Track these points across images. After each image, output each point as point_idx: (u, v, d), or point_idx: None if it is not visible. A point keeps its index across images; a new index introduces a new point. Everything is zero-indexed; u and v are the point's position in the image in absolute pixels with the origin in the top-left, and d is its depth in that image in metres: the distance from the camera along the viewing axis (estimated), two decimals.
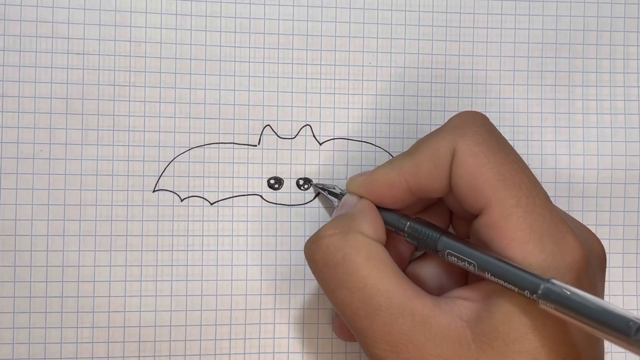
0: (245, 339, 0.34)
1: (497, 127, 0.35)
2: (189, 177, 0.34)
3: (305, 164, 0.34)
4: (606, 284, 0.36)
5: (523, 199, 0.26)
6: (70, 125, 0.33)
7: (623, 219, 0.36)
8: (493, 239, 0.26)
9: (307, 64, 0.35)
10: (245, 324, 0.34)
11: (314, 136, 0.35)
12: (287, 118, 0.34)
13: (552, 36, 0.36)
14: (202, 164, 0.34)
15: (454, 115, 0.29)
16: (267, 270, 0.34)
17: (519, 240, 0.25)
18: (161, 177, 0.34)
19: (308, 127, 0.34)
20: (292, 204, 0.34)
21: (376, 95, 0.35)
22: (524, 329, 0.25)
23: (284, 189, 0.34)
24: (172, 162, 0.34)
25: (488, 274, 0.26)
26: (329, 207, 0.35)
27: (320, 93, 0.35)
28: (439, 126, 0.29)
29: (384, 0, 0.35)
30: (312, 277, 0.34)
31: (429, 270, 0.31)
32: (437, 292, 0.30)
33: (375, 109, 0.35)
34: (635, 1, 0.36)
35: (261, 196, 0.34)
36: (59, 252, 0.33)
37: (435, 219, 0.32)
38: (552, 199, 0.35)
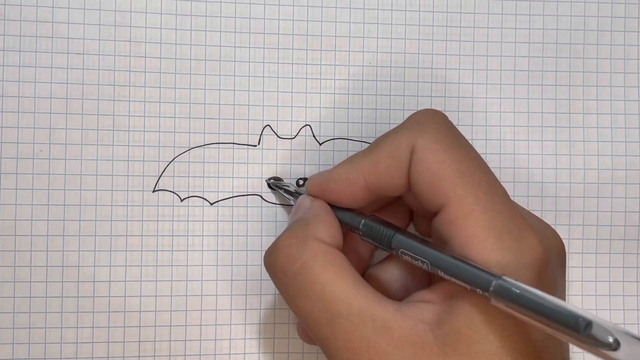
0: (245, 339, 0.34)
1: (498, 127, 0.35)
2: (188, 177, 0.34)
3: (305, 164, 0.34)
4: (608, 284, 0.36)
5: (482, 196, 0.26)
6: (70, 125, 0.33)
7: (624, 220, 0.36)
8: (452, 236, 0.26)
9: (307, 64, 0.35)
10: (245, 324, 0.34)
11: (313, 136, 0.35)
12: (287, 118, 0.34)
13: (552, 36, 0.36)
14: (202, 164, 0.34)
15: (414, 113, 0.29)
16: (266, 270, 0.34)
17: (478, 237, 0.25)
18: (161, 177, 0.34)
19: (308, 127, 0.34)
20: (292, 204, 0.34)
21: (376, 95, 0.35)
22: (484, 330, 0.24)
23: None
24: (172, 162, 0.34)
25: (441, 272, 0.25)
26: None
27: (320, 93, 0.35)
28: None
29: (384, 0, 0.35)
30: None
31: (393, 272, 0.30)
32: (402, 294, 0.30)
33: (375, 109, 0.35)
34: (635, 1, 0.36)
35: (261, 196, 0.34)
36: (59, 252, 0.33)
37: (395, 217, 0.31)
38: (552, 199, 0.35)
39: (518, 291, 0.23)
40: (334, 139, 0.35)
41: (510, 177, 0.35)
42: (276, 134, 0.34)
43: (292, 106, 0.34)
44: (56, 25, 0.33)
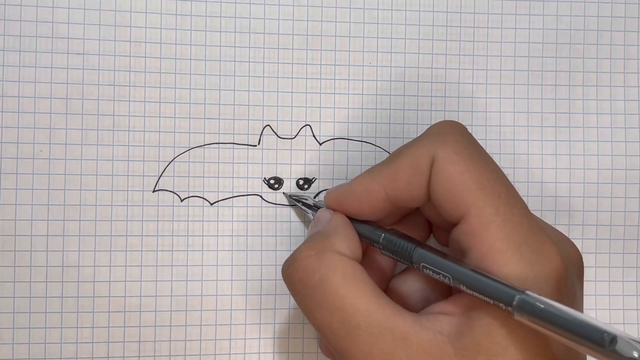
0: (245, 339, 0.34)
1: (498, 127, 0.35)
2: (189, 177, 0.34)
3: (305, 164, 0.34)
4: (608, 284, 0.36)
5: (502, 208, 0.26)
6: (70, 126, 0.33)
7: (624, 219, 0.36)
8: (471, 247, 0.26)
9: (307, 64, 0.35)
10: (245, 324, 0.34)
11: (314, 136, 0.35)
12: (287, 118, 0.34)
13: (552, 36, 0.36)
14: (202, 164, 0.34)
15: (434, 124, 0.29)
16: (267, 271, 0.34)
17: (497, 249, 0.25)
18: (161, 177, 0.34)
19: (308, 127, 0.34)
20: (292, 204, 0.34)
21: (376, 95, 0.35)
22: (505, 343, 0.24)
23: (284, 189, 0.34)
24: (172, 162, 0.34)
25: (463, 286, 0.25)
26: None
27: (320, 93, 0.35)
28: None
29: (384, 0, 0.35)
30: None
31: (413, 284, 0.30)
32: (422, 305, 0.30)
33: (376, 109, 0.35)
34: (635, 1, 0.36)
35: (261, 196, 0.34)
36: (59, 252, 0.33)
37: (414, 230, 0.32)
38: (552, 199, 0.35)
39: (542, 306, 0.23)
40: (334, 139, 0.35)
41: (510, 177, 0.35)
42: (276, 134, 0.34)
43: (292, 106, 0.34)
44: (56, 25, 0.33)
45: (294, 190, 0.34)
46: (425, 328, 0.26)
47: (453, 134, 0.28)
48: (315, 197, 0.34)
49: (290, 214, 0.34)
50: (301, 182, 0.34)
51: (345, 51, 0.35)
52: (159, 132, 0.34)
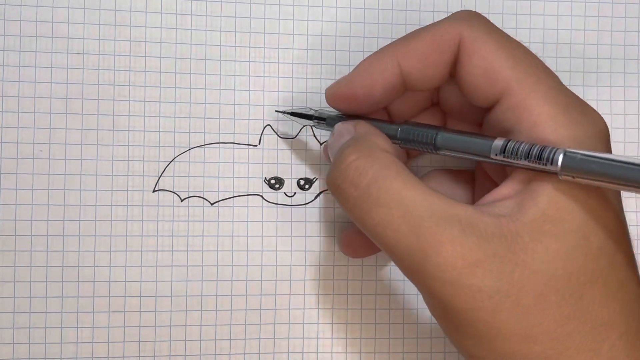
0: (245, 339, 0.34)
1: None
2: (189, 177, 0.34)
3: (306, 164, 0.34)
4: None
5: (542, 75, 0.26)
6: (69, 125, 0.33)
7: (636, 220, 0.36)
8: (519, 120, 0.26)
9: (307, 64, 0.35)
10: (245, 324, 0.34)
11: (314, 136, 0.35)
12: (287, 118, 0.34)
13: (553, 35, 0.36)
14: (202, 164, 0.34)
15: (455, 12, 0.29)
16: (267, 271, 0.34)
17: (547, 113, 0.25)
18: (161, 177, 0.34)
19: (309, 126, 0.34)
20: (292, 204, 0.34)
21: None
22: (570, 207, 0.25)
23: (284, 189, 0.34)
24: (172, 162, 0.34)
25: (504, 156, 0.25)
26: (329, 208, 0.34)
27: (320, 93, 0.34)
28: None
29: (384, 0, 0.35)
30: (312, 277, 0.34)
31: (434, 186, 0.30)
32: None
33: None
34: (635, 1, 0.36)
35: (262, 196, 0.34)
36: (59, 252, 0.33)
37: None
38: None
39: (587, 158, 0.23)
40: None
41: None
42: (277, 134, 0.34)
43: (292, 106, 0.34)
44: (56, 25, 0.33)
45: (295, 189, 0.34)
46: (487, 213, 0.25)
47: (478, 18, 0.28)
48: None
49: (291, 214, 0.34)
50: (302, 182, 0.34)
51: (345, 51, 0.35)
52: (159, 131, 0.34)
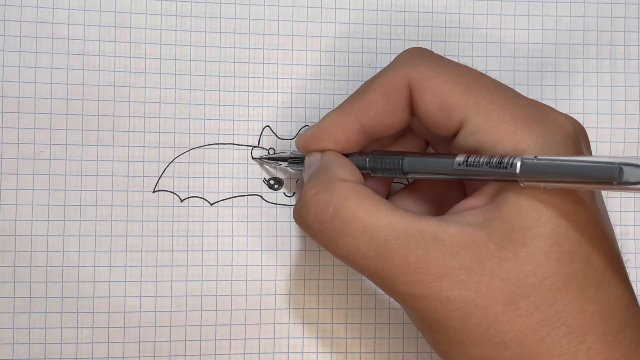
0: (245, 339, 0.34)
1: None
2: (188, 177, 0.34)
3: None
4: None
5: (495, 95, 0.26)
6: (70, 126, 0.33)
7: (620, 219, 0.36)
8: (481, 143, 0.26)
9: (306, 65, 0.35)
10: (245, 324, 0.34)
11: None
12: (286, 119, 0.34)
13: (552, 36, 0.36)
14: (202, 164, 0.34)
15: (400, 54, 0.29)
16: (267, 271, 0.34)
17: (506, 131, 0.26)
18: (161, 178, 0.34)
19: (307, 127, 0.34)
20: (292, 204, 0.34)
21: None
22: (536, 214, 0.25)
23: (284, 189, 0.34)
24: (172, 163, 0.34)
25: (472, 165, 0.26)
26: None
27: (319, 94, 0.35)
28: None
29: (383, 1, 0.35)
30: (312, 277, 0.34)
31: (409, 203, 0.31)
32: None
33: None
34: (635, 1, 0.36)
35: (261, 197, 0.34)
36: (59, 253, 0.33)
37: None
38: None
39: (541, 161, 0.24)
40: None
41: None
42: (276, 135, 0.34)
43: (291, 107, 0.34)
44: (56, 26, 0.33)
45: (294, 189, 0.34)
46: (452, 223, 0.26)
47: (420, 56, 0.28)
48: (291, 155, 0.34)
49: (290, 214, 0.34)
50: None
51: (344, 52, 0.35)
52: (159, 132, 0.34)
